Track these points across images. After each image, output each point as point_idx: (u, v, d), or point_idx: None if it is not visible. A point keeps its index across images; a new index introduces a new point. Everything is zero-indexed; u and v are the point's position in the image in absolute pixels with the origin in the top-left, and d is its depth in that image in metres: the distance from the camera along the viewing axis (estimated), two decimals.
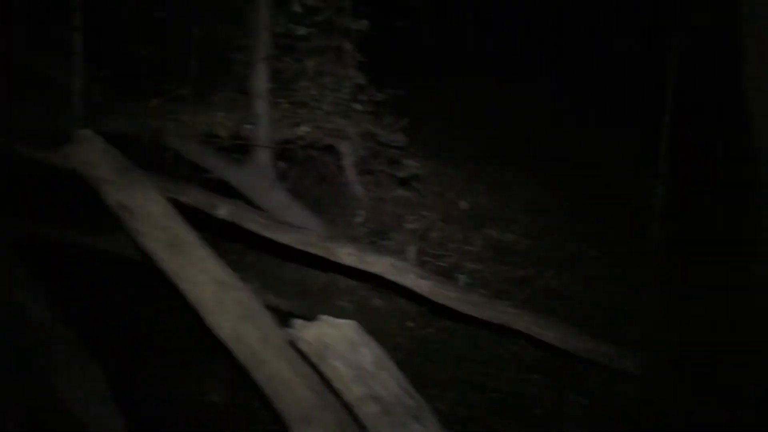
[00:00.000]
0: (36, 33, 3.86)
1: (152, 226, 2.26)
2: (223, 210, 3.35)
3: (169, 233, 2.26)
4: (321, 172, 5.08)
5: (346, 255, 3.32)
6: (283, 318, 2.05)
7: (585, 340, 3.26)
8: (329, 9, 4.33)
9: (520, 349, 3.80)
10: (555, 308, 4.09)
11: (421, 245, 4.75)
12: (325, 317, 1.73)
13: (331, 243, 3.40)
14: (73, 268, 4.46)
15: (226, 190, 4.06)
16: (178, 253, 2.23)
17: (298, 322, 1.72)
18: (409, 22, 6.45)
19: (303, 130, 4.26)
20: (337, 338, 1.71)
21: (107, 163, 2.37)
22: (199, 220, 2.65)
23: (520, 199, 5.63)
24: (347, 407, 1.71)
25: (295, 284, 4.49)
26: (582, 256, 4.94)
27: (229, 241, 4.12)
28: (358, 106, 4.53)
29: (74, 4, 3.25)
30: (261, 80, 4.11)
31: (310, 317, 1.75)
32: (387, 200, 5.01)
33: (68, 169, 3.13)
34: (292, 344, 1.87)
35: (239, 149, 4.26)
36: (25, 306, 2.80)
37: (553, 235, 5.17)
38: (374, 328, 2.04)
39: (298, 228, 3.64)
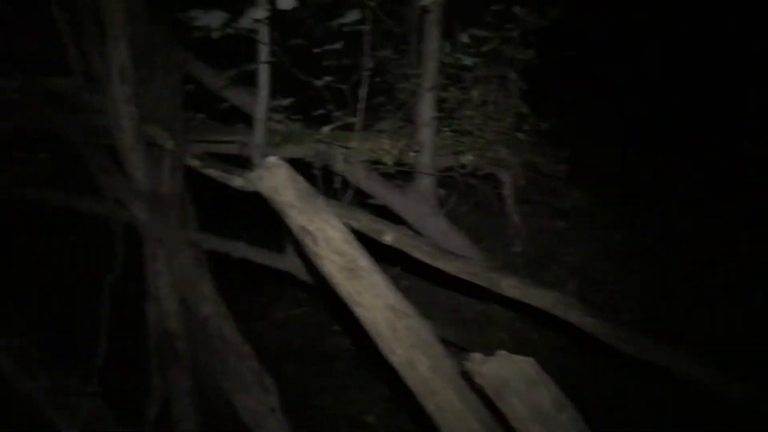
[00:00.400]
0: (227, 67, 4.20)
1: (331, 250, 2.36)
2: (390, 236, 3.44)
3: (347, 258, 2.35)
4: (479, 200, 5.09)
5: (510, 287, 3.28)
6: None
7: None
8: (496, 39, 4.36)
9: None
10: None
11: (581, 279, 4.62)
12: (502, 352, 1.72)
13: (495, 274, 3.38)
14: (246, 285, 4.79)
15: (387, 215, 4.19)
16: (354, 278, 2.31)
17: (475, 356, 1.73)
18: (576, 52, 6.33)
19: (467, 159, 4.30)
20: (515, 375, 1.70)
21: (292, 189, 2.51)
22: None
23: (683, 234, 5.32)
24: None
25: (451, 311, 4.53)
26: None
27: (385, 265, 4.25)
28: (520, 136, 4.51)
29: (263, 40, 3.50)
30: (427, 109, 4.20)
31: (468, 346, 1.76)
32: (546, 231, 4.93)
33: (253, 192, 3.40)
34: (464, 376, 1.88)
35: (402, 176, 4.38)
36: (210, 318, 3.03)
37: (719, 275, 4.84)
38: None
39: (461, 257, 3.66)
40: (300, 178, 2.61)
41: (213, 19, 3.29)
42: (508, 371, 1.68)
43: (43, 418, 2.42)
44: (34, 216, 3.51)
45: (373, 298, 2.26)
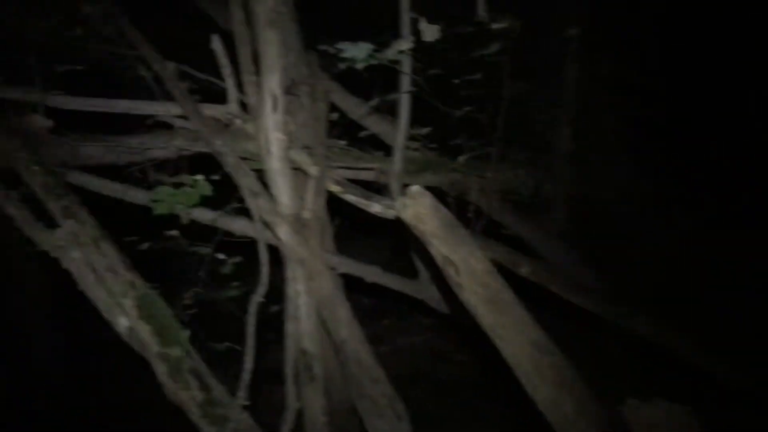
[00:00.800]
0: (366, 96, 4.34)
1: (474, 281, 2.36)
2: (526, 269, 3.40)
3: (490, 290, 2.34)
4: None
5: (643, 325, 3.16)
6: None
7: None
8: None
9: None
10: None
11: None
12: (659, 400, 1.65)
13: (630, 311, 3.26)
14: (371, 308, 4.86)
15: (518, 246, 4.14)
16: (497, 311, 2.30)
17: (631, 401, 1.67)
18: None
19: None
20: (670, 422, 1.63)
21: (436, 218, 2.54)
22: None
23: None
24: None
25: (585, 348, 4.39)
26: None
27: None
28: None
29: (405, 70, 3.58)
30: (564, 141, 4.16)
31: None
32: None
33: (389, 218, 3.47)
34: (611, 419, 1.82)
35: (535, 207, 4.33)
36: (346, 342, 3.10)
37: None
38: None
39: (595, 291, 3.56)
40: (443, 208, 2.64)
41: (359, 51, 3.40)
42: (663, 418, 1.61)
43: (192, 427, 2.56)
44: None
45: (516, 332, 2.24)
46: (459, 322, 3.86)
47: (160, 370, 2.58)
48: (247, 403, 2.65)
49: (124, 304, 2.70)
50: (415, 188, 2.74)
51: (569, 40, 4.15)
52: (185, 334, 2.69)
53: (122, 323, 2.72)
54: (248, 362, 2.92)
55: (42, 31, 3.66)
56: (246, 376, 2.85)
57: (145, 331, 2.63)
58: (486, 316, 2.31)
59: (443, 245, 2.49)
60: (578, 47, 4.22)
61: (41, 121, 3.37)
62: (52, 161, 3.29)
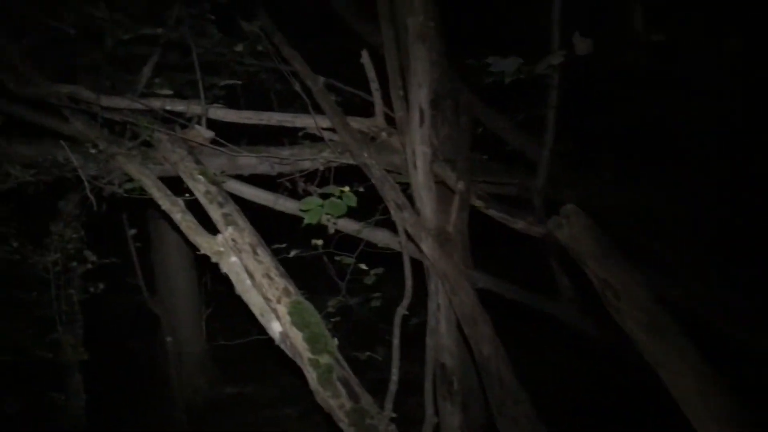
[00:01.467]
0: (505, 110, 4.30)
1: (635, 306, 2.27)
2: (677, 292, 3.23)
3: (650, 316, 2.24)
4: None
5: None
6: None
7: None
8: None
9: None
10: None
11: None
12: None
13: None
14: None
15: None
16: (658, 338, 2.20)
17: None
18: None
19: None
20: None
21: (593, 239, 2.46)
22: None
23: None
24: None
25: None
26: None
27: None
28: None
29: (554, 85, 3.51)
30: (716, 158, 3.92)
31: None
32: None
33: (537, 236, 3.41)
34: None
35: (680, 227, 4.10)
36: (489, 359, 3.07)
37: None
38: None
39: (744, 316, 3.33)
40: (600, 230, 2.56)
41: (508, 65, 3.37)
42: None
43: None
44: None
45: (680, 362, 2.12)
46: (607, 345, 3.73)
47: (311, 376, 2.66)
48: (394, 415, 2.67)
49: (278, 310, 2.81)
50: (570, 207, 2.68)
51: (729, 52, 3.90)
52: (334, 342, 2.76)
53: (275, 328, 2.83)
54: (395, 374, 2.95)
55: (204, 48, 3.89)
56: (393, 388, 2.89)
57: (297, 337, 2.72)
58: (647, 343, 2.21)
59: (601, 268, 2.41)
60: (738, 59, 3.96)
61: (204, 132, 3.58)
62: (210, 170, 3.49)
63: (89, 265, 3.84)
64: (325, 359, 2.67)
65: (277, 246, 3.63)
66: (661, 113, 4.10)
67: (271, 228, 3.71)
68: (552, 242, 3.34)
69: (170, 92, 3.68)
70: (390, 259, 3.98)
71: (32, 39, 3.60)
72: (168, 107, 3.64)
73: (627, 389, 4.00)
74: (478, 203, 3.62)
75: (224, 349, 5.61)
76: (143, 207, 4.28)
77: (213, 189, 3.23)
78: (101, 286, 4.01)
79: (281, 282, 2.88)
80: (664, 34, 3.46)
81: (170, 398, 5.52)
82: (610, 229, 3.76)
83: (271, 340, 2.97)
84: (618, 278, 2.34)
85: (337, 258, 3.88)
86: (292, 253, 3.76)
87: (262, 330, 3.19)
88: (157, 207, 3.30)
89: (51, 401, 3.85)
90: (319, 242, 3.85)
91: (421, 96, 3.51)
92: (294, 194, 3.89)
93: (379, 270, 3.89)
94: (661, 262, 3.91)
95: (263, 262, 2.95)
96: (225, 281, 3.07)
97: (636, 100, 4.01)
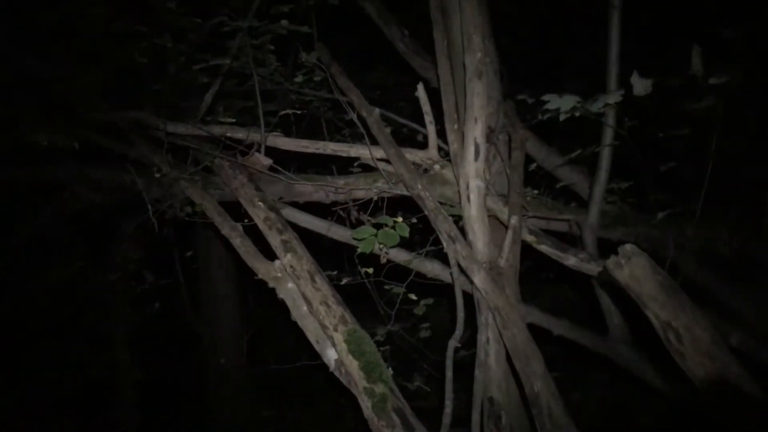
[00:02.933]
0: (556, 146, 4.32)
1: (698, 351, 2.26)
2: (736, 338, 3.19)
3: (717, 364, 2.22)
4: None
5: None
6: None
7: None
8: None
9: None
10: None
11: None
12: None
13: None
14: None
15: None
16: (725, 386, 2.17)
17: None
18: None
19: None
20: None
21: (654, 280, 2.46)
22: None
23: None
24: None
25: None
26: None
27: None
28: None
29: (609, 123, 3.53)
30: None
31: None
32: None
33: (588, 273, 3.41)
34: None
35: (739, 270, 4.05)
36: (540, 395, 3.06)
37: None
38: None
39: None
40: (662, 270, 2.56)
41: (564, 103, 3.40)
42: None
43: None
44: None
45: (743, 408, 2.10)
46: (663, 386, 3.69)
47: (366, 405, 2.69)
48: None
49: (334, 338, 2.85)
50: (630, 247, 2.67)
51: None
52: (389, 372, 2.79)
53: (331, 356, 2.87)
54: (448, 405, 2.96)
55: (263, 77, 4.00)
56: (447, 420, 2.90)
57: (353, 365, 2.76)
58: (712, 391, 2.19)
59: (663, 310, 2.40)
60: None
61: (262, 159, 3.68)
62: (269, 197, 3.57)
63: (147, 286, 3.94)
64: (380, 388, 2.70)
65: (327, 273, 3.69)
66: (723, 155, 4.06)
67: (320, 256, 3.79)
68: (605, 281, 3.35)
69: (231, 120, 3.79)
70: (438, 290, 4.01)
71: (102, 68, 3.75)
72: (229, 134, 3.75)
73: None
74: (530, 238, 3.64)
75: (266, 374, 5.68)
76: (191, 231, 4.40)
77: (272, 215, 3.30)
78: (157, 305, 4.11)
79: (338, 310, 2.93)
80: (726, 77, 3.45)
81: (211, 419, 5.58)
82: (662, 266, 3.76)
83: (315, 366, 3.02)
84: (681, 321, 2.33)
85: (387, 287, 3.92)
86: (344, 281, 3.81)
87: (310, 356, 3.25)
88: (212, 231, 3.39)
89: (106, 420, 3.93)
90: (370, 270, 3.90)
91: (477, 131, 3.55)
92: (345, 222, 3.96)
93: (429, 300, 3.92)
94: (723, 305, 3.86)
95: (321, 290, 3.00)
96: (270, 307, 3.14)
97: (699, 142, 3.99)
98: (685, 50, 3.38)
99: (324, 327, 2.91)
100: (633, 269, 2.58)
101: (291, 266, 3.08)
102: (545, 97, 3.40)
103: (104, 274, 3.69)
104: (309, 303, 2.98)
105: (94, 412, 4.04)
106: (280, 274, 3.08)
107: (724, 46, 3.61)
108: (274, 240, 3.21)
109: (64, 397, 3.96)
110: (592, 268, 3.24)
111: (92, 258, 3.76)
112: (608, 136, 3.71)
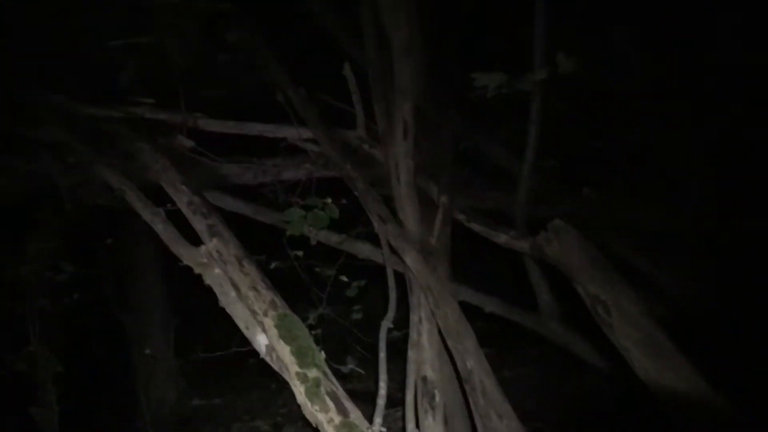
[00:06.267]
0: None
1: (626, 323, 2.30)
2: (660, 311, 3.28)
3: (643, 332, 2.26)
4: None
5: None
6: None
7: None
8: None
9: None
10: None
11: None
12: None
13: None
14: None
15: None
16: (651, 354, 2.22)
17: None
18: None
19: None
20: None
21: (584, 255, 2.49)
22: None
23: None
24: None
25: None
26: None
27: None
28: None
29: (536, 101, 3.55)
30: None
31: None
32: None
33: (520, 250, 3.43)
34: None
35: (664, 244, 4.16)
36: (473, 372, 3.07)
37: None
38: None
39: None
40: (590, 245, 2.59)
41: (491, 80, 3.39)
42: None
43: None
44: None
45: (675, 378, 2.15)
46: (593, 360, 3.77)
47: (299, 390, 2.62)
48: (384, 429, 2.65)
49: (264, 323, 2.76)
50: (558, 223, 2.70)
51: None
52: (322, 355, 2.73)
53: (261, 341, 2.78)
54: (383, 387, 2.93)
55: (188, 57, 3.83)
56: (381, 402, 2.86)
57: (284, 351, 2.68)
58: (640, 360, 2.24)
59: (592, 283, 2.43)
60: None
61: (185, 141, 3.54)
62: (193, 180, 3.43)
63: (65, 276, 3.75)
64: (313, 373, 2.64)
65: (256, 257, 3.59)
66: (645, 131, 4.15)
67: (247, 239, 3.69)
68: (536, 257, 3.38)
69: (151, 100, 3.62)
70: (369, 272, 3.98)
71: (13, 48, 3.51)
72: (148, 115, 3.59)
73: (613, 404, 4.04)
74: (460, 217, 3.64)
75: (194, 362, 5.53)
76: (113, 218, 4.22)
77: (196, 199, 3.18)
78: (75, 296, 3.92)
79: (268, 294, 2.84)
80: (646, 57, 3.53)
81: (138, 410, 5.40)
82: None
83: (246, 353, 2.93)
84: (609, 294, 2.37)
85: (317, 270, 3.86)
86: (273, 265, 3.72)
87: (240, 343, 3.15)
88: (133, 218, 3.24)
89: (25, 415, 3.74)
90: (300, 253, 3.82)
91: (405, 109, 3.52)
92: (274, 205, 3.87)
93: (361, 282, 3.88)
94: (649, 279, 3.97)
95: (249, 274, 2.90)
96: (196, 295, 3.04)
97: (622, 121, 4.06)
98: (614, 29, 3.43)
99: (254, 312, 2.81)
100: (562, 244, 2.61)
101: (217, 251, 2.97)
102: (474, 75, 3.39)
103: (18, 266, 3.48)
104: (237, 288, 2.88)
105: (13, 407, 3.85)
106: (206, 260, 2.96)
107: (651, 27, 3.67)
108: (199, 225, 3.09)
109: None
110: (523, 245, 3.25)
111: (5, 249, 3.55)
112: (535, 114, 3.72)
